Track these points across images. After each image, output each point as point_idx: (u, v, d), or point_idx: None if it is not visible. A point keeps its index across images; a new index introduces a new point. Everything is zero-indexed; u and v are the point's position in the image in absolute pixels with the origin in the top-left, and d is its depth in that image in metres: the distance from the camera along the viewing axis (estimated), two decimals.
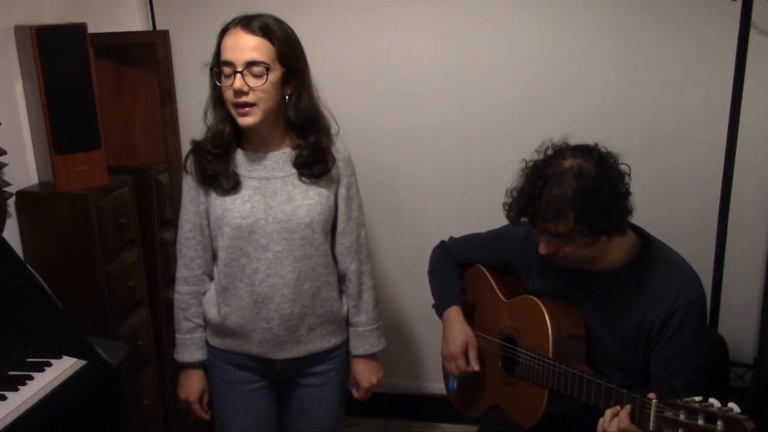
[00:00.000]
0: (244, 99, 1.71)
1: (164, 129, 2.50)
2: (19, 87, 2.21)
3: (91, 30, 2.15)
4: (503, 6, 2.47)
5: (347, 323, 1.98)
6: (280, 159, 1.83)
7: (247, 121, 1.74)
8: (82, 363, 1.80)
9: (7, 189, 2.12)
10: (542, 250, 1.73)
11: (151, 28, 2.62)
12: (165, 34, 2.47)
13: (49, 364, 1.77)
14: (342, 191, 1.89)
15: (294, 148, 1.83)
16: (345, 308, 1.96)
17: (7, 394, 1.63)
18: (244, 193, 1.81)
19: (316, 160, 1.82)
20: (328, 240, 1.89)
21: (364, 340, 1.97)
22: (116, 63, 2.46)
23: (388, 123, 2.65)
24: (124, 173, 2.33)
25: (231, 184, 1.80)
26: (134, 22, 2.58)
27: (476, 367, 1.98)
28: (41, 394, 1.67)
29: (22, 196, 2.18)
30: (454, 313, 2.05)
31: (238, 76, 1.69)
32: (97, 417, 1.91)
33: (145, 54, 2.46)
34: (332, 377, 1.97)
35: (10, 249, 1.86)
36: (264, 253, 1.80)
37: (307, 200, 1.81)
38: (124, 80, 2.48)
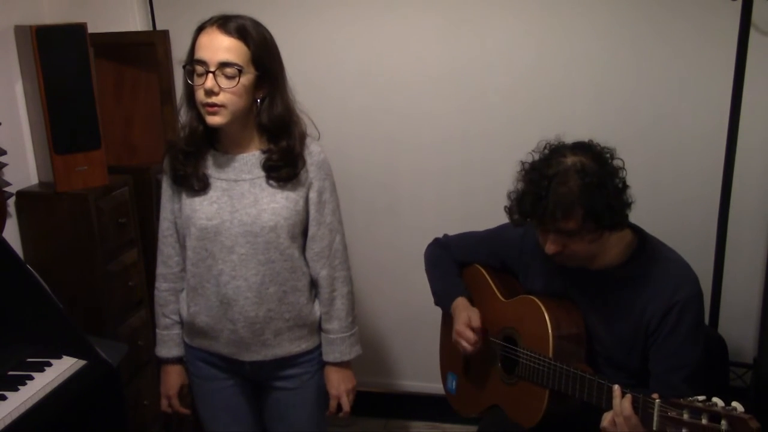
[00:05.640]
0: (213, 99, 1.69)
1: (164, 129, 2.49)
2: (19, 87, 2.21)
3: (91, 30, 2.15)
4: (502, 2, 2.47)
5: (320, 329, 1.93)
6: (249, 161, 1.81)
7: (215, 120, 1.72)
8: (82, 363, 1.80)
9: (7, 189, 2.12)
10: (549, 249, 1.71)
11: (151, 28, 2.62)
12: (165, 34, 2.47)
13: (49, 364, 1.77)
14: (313, 195, 1.84)
15: (264, 151, 1.80)
16: (317, 313, 1.90)
17: (7, 394, 1.63)
18: (212, 194, 1.80)
19: (285, 164, 1.79)
20: (297, 244, 1.85)
21: (335, 348, 1.91)
22: (116, 63, 2.46)
23: (387, 123, 2.64)
24: (124, 173, 2.34)
25: (200, 185, 1.80)
26: (134, 22, 2.58)
27: (477, 324, 1.92)
28: (41, 394, 1.67)
29: (22, 196, 2.18)
30: (462, 301, 2.03)
31: (210, 75, 1.67)
32: (97, 417, 1.91)
33: (145, 54, 2.45)
34: (306, 381, 1.93)
35: (10, 249, 1.86)
36: (229, 255, 1.79)
37: (273, 204, 1.79)
38: (124, 80, 2.48)
